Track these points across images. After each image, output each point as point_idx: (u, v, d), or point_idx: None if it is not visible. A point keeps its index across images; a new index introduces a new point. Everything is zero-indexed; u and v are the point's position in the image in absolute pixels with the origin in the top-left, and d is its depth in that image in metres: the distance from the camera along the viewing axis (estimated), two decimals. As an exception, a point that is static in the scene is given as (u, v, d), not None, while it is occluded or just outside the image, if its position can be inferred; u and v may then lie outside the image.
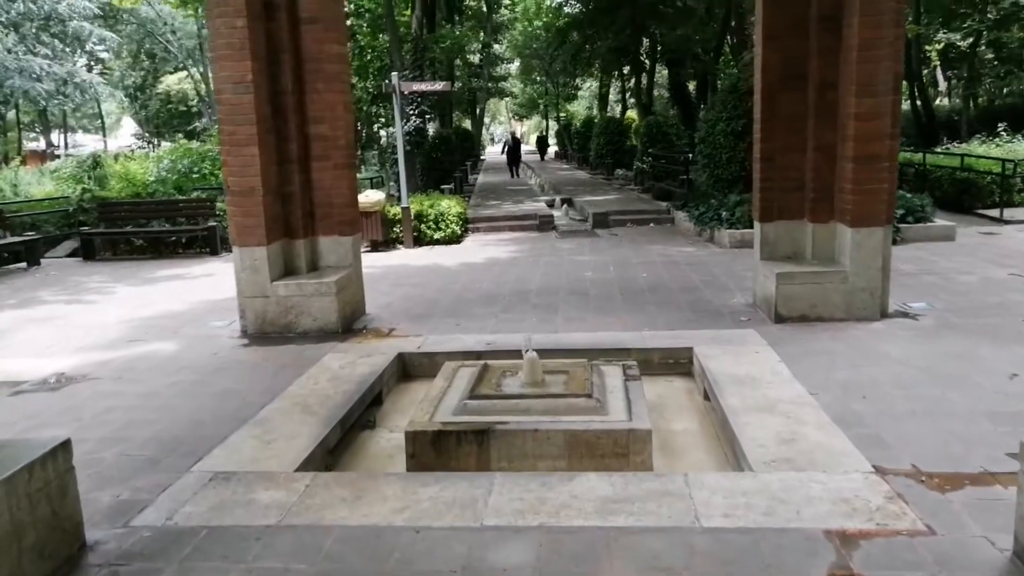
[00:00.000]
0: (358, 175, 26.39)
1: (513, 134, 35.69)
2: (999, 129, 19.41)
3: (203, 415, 4.83)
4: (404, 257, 11.80)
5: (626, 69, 30.34)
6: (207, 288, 9.41)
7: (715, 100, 13.71)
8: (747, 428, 4.29)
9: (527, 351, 4.96)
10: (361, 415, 5.18)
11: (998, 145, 17.30)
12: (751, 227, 11.25)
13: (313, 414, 4.78)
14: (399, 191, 13.26)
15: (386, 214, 12.87)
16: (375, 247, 12.69)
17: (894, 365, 5.24)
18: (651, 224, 14.44)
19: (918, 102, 26.42)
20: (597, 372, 5.10)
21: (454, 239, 13.23)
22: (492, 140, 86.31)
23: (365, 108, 21.92)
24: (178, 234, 13.10)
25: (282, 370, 5.78)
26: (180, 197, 14.22)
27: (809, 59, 6.61)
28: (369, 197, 12.53)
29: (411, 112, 19.40)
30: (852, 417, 4.35)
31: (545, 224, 14.49)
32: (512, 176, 29.33)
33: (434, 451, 4.33)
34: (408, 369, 6.18)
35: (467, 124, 50.78)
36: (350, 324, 7.15)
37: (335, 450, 4.63)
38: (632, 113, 38.10)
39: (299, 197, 7.10)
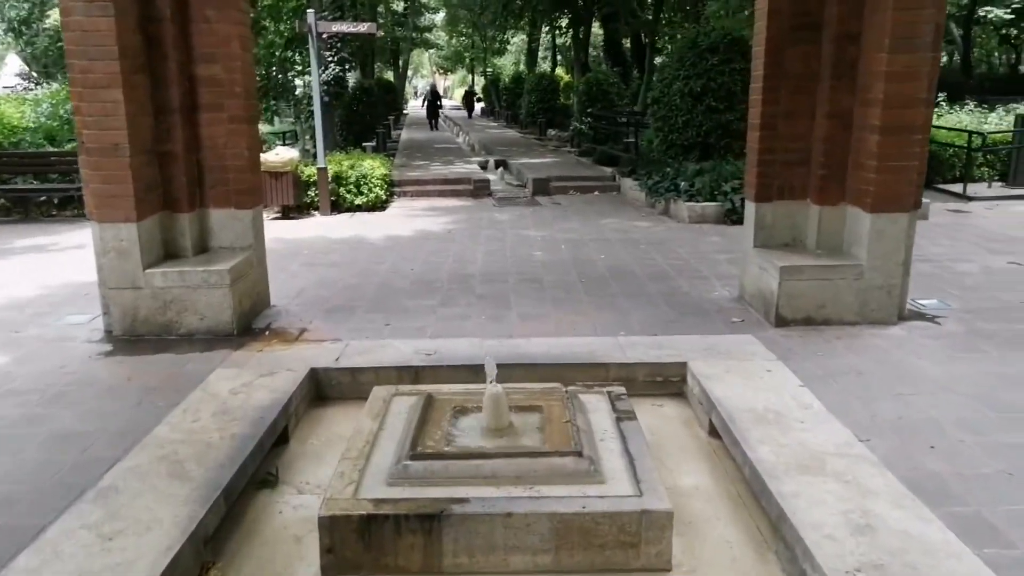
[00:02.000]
0: (270, 127, 24.26)
1: (433, 87, 36.71)
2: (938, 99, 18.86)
3: (17, 483, 3.33)
4: (320, 227, 10.21)
5: (563, 22, 28.77)
6: (74, 265, 7.64)
7: (670, 58, 12.48)
8: (799, 504, 3.10)
9: (491, 381, 3.64)
10: (258, 468, 3.78)
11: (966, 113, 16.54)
12: (713, 200, 10.19)
13: (186, 478, 3.34)
14: (315, 148, 11.58)
15: (299, 175, 11.19)
16: (286, 214, 11.03)
17: (946, 394, 4.17)
18: (596, 192, 13.21)
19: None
20: (578, 406, 3.83)
21: (378, 205, 11.68)
22: (415, 94, 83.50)
23: (278, 53, 19.75)
24: (48, 193, 11.08)
25: (151, 396, 4.29)
26: (52, 149, 12.07)
27: (826, 5, 5.41)
28: (280, 155, 10.83)
29: (330, 59, 17.48)
30: (930, 481, 3.24)
31: (480, 190, 13.08)
32: (432, 129, 30.34)
33: (362, 543, 2.98)
34: (323, 390, 4.77)
35: (389, 76, 48.38)
36: (249, 322, 5.67)
37: (218, 531, 3.24)
38: (561, 71, 36.71)
39: (183, 158, 5.50)
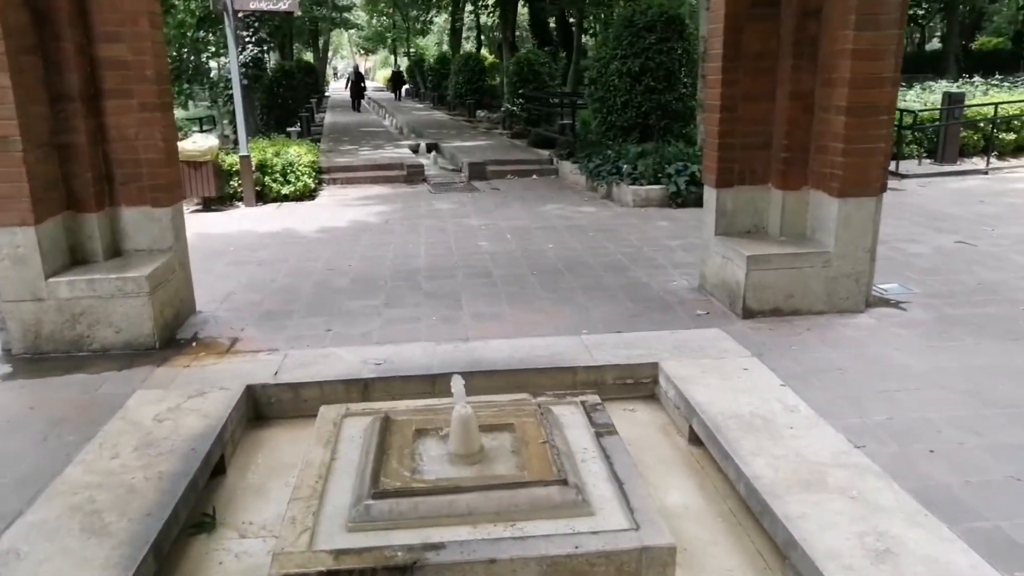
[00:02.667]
0: (184, 112, 22.99)
1: (356, 68, 37.29)
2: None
3: None
4: (245, 220, 9.53)
5: (489, 0, 28.17)
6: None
7: (607, 36, 12.17)
8: (808, 529, 2.82)
9: (459, 405, 3.23)
10: (192, 509, 3.28)
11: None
12: (657, 183, 9.95)
13: (105, 534, 2.83)
14: (236, 135, 10.82)
15: (220, 164, 10.44)
16: (207, 206, 10.29)
17: (933, 390, 3.98)
18: (534, 176, 12.85)
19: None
20: (553, 421, 3.47)
21: (307, 194, 11.04)
22: (335, 75, 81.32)
23: (190, 33, 18.61)
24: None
25: (59, 429, 3.72)
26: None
27: (786, -21, 5.15)
28: (197, 143, 10.06)
29: (247, 39, 16.52)
30: (939, 493, 3.01)
31: (414, 175, 12.54)
32: (355, 110, 31.45)
33: (322, 605, 2.57)
34: (261, 408, 4.27)
35: (309, 57, 46.83)
36: (173, 333, 5.09)
37: (146, 594, 2.75)
38: (485, 51, 36.13)
39: (87, 152, 4.86)
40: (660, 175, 9.66)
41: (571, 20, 28.77)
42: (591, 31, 32.89)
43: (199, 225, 9.08)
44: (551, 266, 6.71)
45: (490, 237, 8.04)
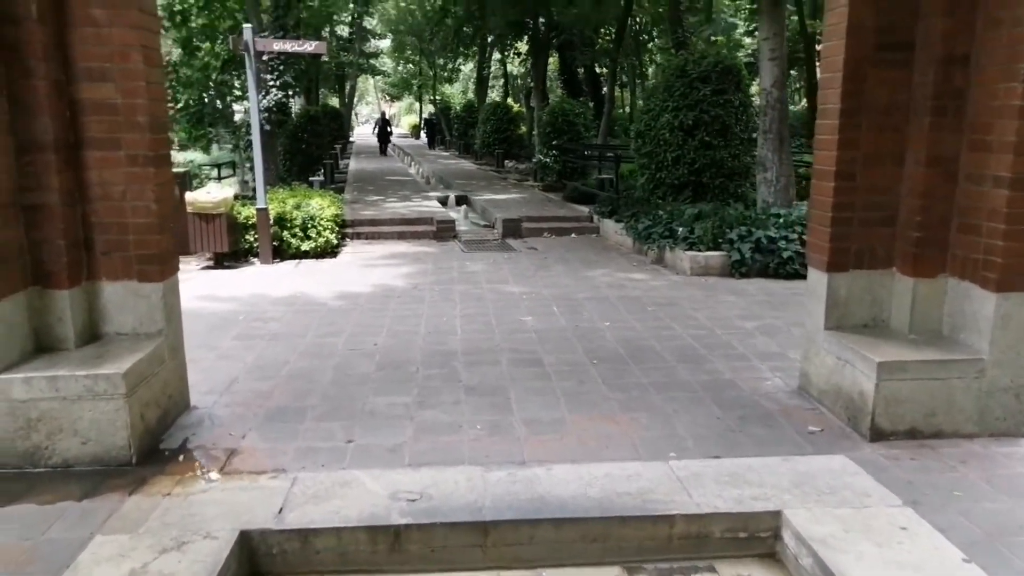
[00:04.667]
0: (205, 157, 22.42)
1: (383, 115, 40.60)
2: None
3: None
4: (260, 279, 8.60)
5: (522, 47, 27.68)
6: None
7: (656, 87, 11.30)
8: None
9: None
10: None
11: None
12: (717, 249, 8.96)
13: None
14: (256, 185, 9.97)
15: (235, 217, 9.58)
16: (219, 262, 9.39)
17: None
18: (572, 235, 11.89)
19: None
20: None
21: (328, 251, 10.13)
22: (359, 121, 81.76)
23: (215, 76, 18.05)
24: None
25: (-23, 605, 2.70)
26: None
27: (920, 17, 4.19)
28: (212, 194, 9.21)
29: (271, 83, 15.89)
30: None
31: (445, 232, 11.62)
32: (382, 154, 33.93)
33: None
34: (260, 561, 3.24)
35: (335, 102, 46.80)
36: (157, 441, 4.09)
37: None
38: (510, 100, 35.67)
39: (60, 213, 3.92)
40: (720, 240, 8.65)
41: (603, 70, 28.18)
42: (620, 82, 32.31)
43: (207, 286, 8.16)
44: (612, 352, 5.67)
45: (534, 309, 7.03)
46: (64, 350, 4.02)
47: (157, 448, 4.03)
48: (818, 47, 25.08)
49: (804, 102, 27.10)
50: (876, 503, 3.43)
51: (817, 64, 29.21)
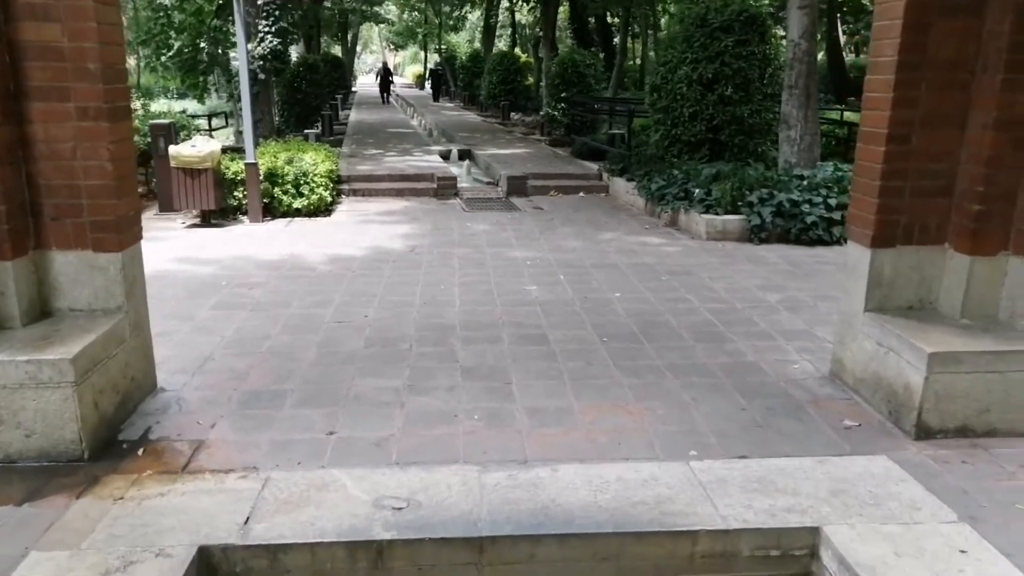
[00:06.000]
0: (199, 107, 21.71)
1: (385, 64, 42.45)
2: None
3: None
4: (247, 240, 8.11)
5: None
6: None
7: (674, 37, 10.58)
8: None
9: None
10: None
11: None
12: (735, 212, 8.41)
13: None
14: (245, 137, 9.40)
15: (223, 172, 9.04)
16: (206, 220, 8.89)
17: None
18: (581, 193, 11.33)
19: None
20: None
21: (322, 209, 9.61)
22: (363, 70, 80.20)
23: (209, 22, 17.26)
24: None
25: None
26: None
27: (999, -42, 3.61)
28: (197, 147, 8.66)
29: (266, 29, 15.14)
30: None
31: (445, 189, 11.07)
32: (384, 103, 34.76)
33: None
34: (221, 583, 2.83)
35: (337, 51, 45.69)
36: (115, 431, 3.65)
37: None
38: (518, 50, 34.62)
39: (2, 174, 3.43)
40: (739, 203, 8.10)
41: (614, 20, 27.19)
42: (632, 32, 31.26)
43: (190, 246, 7.68)
44: (623, 329, 5.20)
45: (539, 277, 6.55)
46: (9, 328, 3.56)
47: (115, 439, 3.59)
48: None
49: (822, 55, 26.12)
50: (928, 518, 2.99)
51: (838, 16, 28.11)
